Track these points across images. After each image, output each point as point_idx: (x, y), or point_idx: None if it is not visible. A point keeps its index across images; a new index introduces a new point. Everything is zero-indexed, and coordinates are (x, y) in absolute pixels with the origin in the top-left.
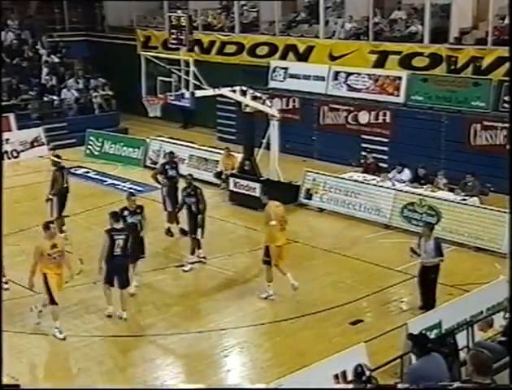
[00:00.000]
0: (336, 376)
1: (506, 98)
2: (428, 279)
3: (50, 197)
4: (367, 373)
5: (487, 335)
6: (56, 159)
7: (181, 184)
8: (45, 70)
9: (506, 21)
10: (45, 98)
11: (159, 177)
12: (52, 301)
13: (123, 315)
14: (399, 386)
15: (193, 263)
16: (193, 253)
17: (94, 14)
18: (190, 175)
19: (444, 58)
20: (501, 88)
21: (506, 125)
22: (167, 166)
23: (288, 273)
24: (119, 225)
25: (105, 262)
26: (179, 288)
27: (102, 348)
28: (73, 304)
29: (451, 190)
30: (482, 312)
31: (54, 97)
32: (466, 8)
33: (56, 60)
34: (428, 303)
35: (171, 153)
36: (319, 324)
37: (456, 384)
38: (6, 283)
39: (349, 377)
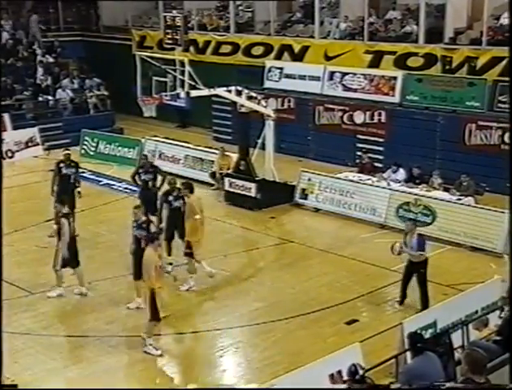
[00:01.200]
0: (332, 376)
1: (501, 98)
2: (417, 275)
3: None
4: (361, 372)
5: (482, 334)
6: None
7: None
8: (40, 70)
9: (501, 21)
10: (40, 98)
11: (136, 178)
12: (155, 317)
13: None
14: (393, 386)
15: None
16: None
17: (89, 14)
18: (173, 179)
19: (439, 58)
20: (495, 88)
21: (501, 125)
22: (140, 171)
23: (202, 261)
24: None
25: None
26: (173, 288)
27: (98, 349)
28: (68, 304)
29: (446, 190)
30: (477, 311)
31: (49, 97)
32: (460, 8)
33: (51, 60)
34: (404, 296)
35: (144, 156)
36: (315, 324)
37: (448, 385)
38: None
39: (345, 377)
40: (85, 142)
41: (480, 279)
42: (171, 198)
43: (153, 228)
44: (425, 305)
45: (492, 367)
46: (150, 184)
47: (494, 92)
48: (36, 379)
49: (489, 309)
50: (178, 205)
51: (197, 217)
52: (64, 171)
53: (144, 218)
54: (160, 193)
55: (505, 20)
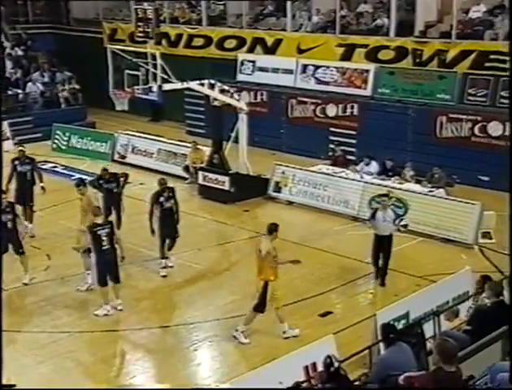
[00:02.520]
0: (306, 368)
1: (471, 91)
2: (383, 249)
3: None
4: (336, 364)
5: (453, 324)
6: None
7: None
8: (8, 63)
9: (470, 15)
10: (10, 92)
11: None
12: (260, 309)
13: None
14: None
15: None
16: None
17: (59, 6)
18: (163, 179)
19: (410, 51)
20: (465, 81)
21: (471, 117)
22: (101, 181)
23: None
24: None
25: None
26: (148, 283)
27: (71, 344)
28: (41, 300)
29: (418, 182)
30: (448, 302)
31: (19, 91)
32: (430, 2)
33: (20, 53)
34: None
35: (104, 169)
36: (289, 316)
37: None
38: None
39: (319, 368)
40: (57, 136)
41: (452, 270)
42: (162, 199)
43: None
44: (384, 277)
45: (463, 356)
46: (115, 190)
47: (464, 85)
48: (7, 376)
49: (460, 300)
50: (169, 205)
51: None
52: (19, 168)
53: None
54: (151, 194)
55: (473, 14)
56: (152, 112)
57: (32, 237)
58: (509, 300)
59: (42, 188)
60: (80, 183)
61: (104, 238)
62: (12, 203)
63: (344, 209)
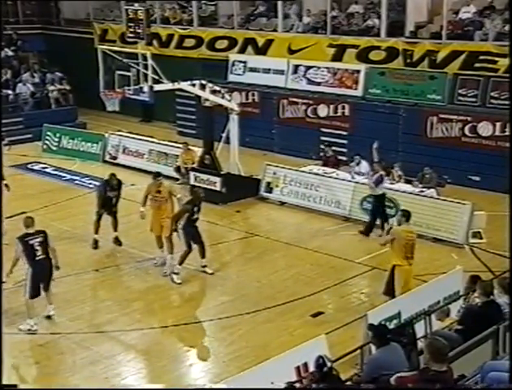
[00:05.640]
0: (298, 368)
1: (461, 91)
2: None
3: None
4: (329, 364)
5: (444, 324)
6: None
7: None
8: None
9: (460, 15)
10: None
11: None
12: (388, 292)
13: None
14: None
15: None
16: None
17: (49, 6)
18: (200, 191)
19: (401, 51)
20: (455, 82)
21: (461, 118)
22: (107, 187)
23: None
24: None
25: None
26: (140, 284)
27: (62, 346)
28: (32, 301)
29: (408, 182)
30: (439, 302)
31: (9, 92)
32: (421, 3)
33: (10, 53)
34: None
35: (113, 174)
36: (281, 317)
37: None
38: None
39: (311, 369)
40: (47, 137)
41: (443, 269)
42: (195, 209)
43: None
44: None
45: (454, 356)
46: (114, 200)
47: (454, 85)
48: None
49: (451, 299)
50: (197, 217)
51: None
52: None
53: None
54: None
55: (463, 15)
56: (143, 113)
57: None
58: (509, 300)
59: (6, 185)
60: (158, 174)
61: (37, 248)
62: None
63: (336, 209)
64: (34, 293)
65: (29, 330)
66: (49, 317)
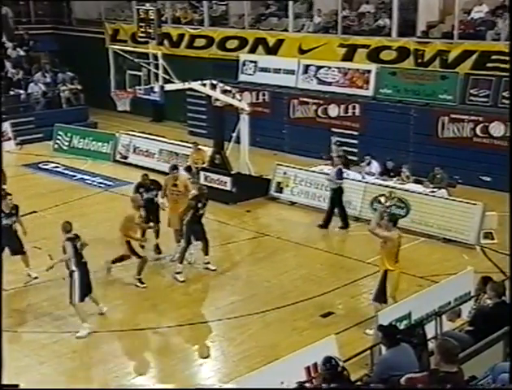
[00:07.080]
0: (308, 368)
1: (473, 91)
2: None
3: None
4: (341, 364)
5: (455, 325)
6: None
7: None
8: (8, 63)
9: (471, 15)
10: (12, 92)
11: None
12: (379, 299)
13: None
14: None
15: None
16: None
17: (61, 6)
18: (175, 166)
19: (412, 51)
20: (467, 82)
21: (473, 118)
22: (141, 189)
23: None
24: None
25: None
26: (150, 283)
27: (72, 345)
28: (43, 300)
29: (419, 182)
30: (450, 302)
31: (21, 91)
32: (432, 2)
33: (22, 53)
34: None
35: (145, 175)
36: (290, 317)
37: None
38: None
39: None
40: (59, 137)
41: (453, 270)
42: (200, 205)
43: None
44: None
45: (465, 357)
46: (155, 200)
47: (466, 85)
48: (9, 376)
49: (462, 300)
50: (202, 213)
51: None
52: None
53: None
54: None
55: (475, 14)
56: (154, 112)
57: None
58: (509, 300)
59: None
60: (175, 167)
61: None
62: (17, 206)
63: (346, 209)
64: (83, 295)
65: (89, 333)
66: (102, 314)
